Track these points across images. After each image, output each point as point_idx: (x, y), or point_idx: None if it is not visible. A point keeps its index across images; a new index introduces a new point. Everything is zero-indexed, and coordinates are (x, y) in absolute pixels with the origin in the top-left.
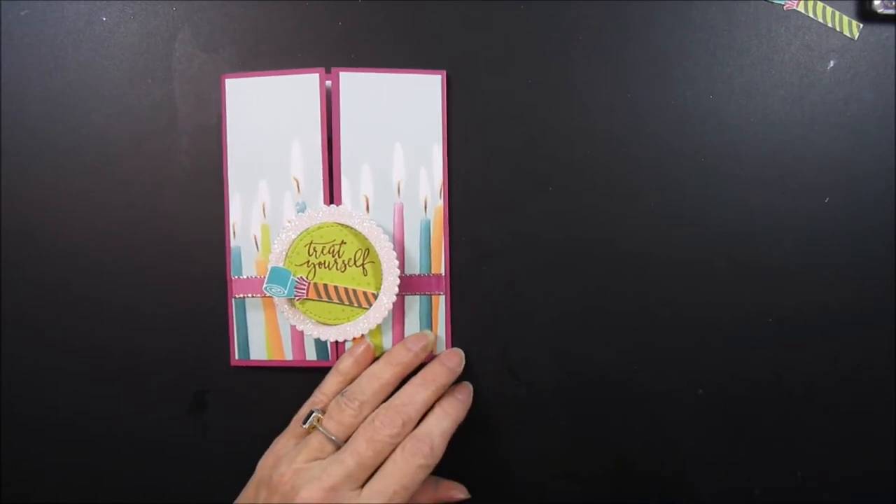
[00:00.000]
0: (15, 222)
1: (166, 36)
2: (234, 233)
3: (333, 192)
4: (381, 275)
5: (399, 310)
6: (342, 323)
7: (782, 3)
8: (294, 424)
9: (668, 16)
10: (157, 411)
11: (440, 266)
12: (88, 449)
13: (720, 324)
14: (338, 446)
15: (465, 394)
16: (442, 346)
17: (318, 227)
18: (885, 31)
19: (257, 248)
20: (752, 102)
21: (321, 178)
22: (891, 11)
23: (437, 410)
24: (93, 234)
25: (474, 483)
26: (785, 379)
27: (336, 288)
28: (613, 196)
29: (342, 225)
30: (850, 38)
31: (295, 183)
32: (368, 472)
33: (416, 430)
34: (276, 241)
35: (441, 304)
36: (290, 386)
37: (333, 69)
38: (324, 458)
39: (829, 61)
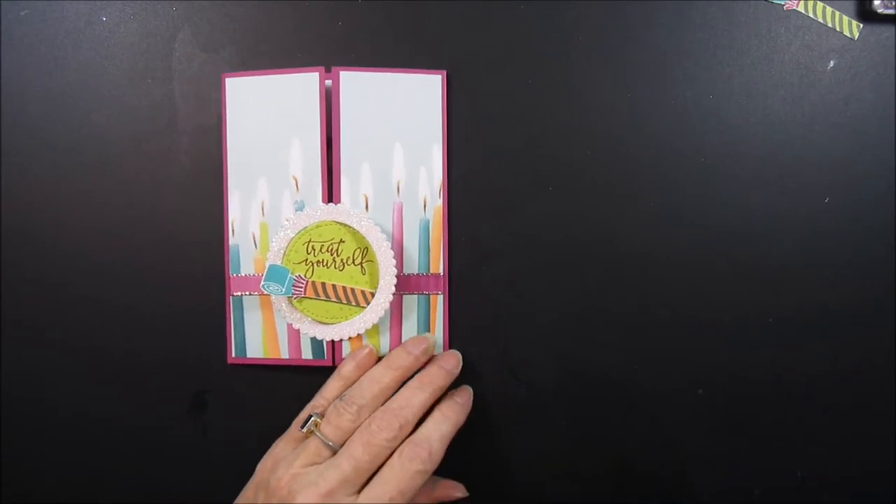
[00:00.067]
0: (15, 222)
1: (166, 36)
2: (232, 230)
3: (332, 191)
4: (379, 274)
5: (397, 309)
6: (339, 322)
7: (782, 3)
8: (293, 428)
9: (668, 16)
10: (157, 411)
11: (439, 266)
12: (88, 449)
13: (720, 324)
14: (335, 451)
15: (465, 398)
16: (440, 346)
17: (317, 226)
18: (885, 31)
19: (256, 246)
20: (752, 102)
21: (320, 176)
22: (891, 11)
23: (436, 414)
24: (93, 234)
25: (474, 483)
26: (785, 379)
27: (334, 286)
28: (613, 196)
29: (341, 223)
30: (850, 38)
31: (294, 181)
32: (365, 477)
33: (415, 435)
34: (274, 240)
35: (439, 303)
36: (291, 386)
37: (333, 68)
38: (321, 463)
39: (829, 61)
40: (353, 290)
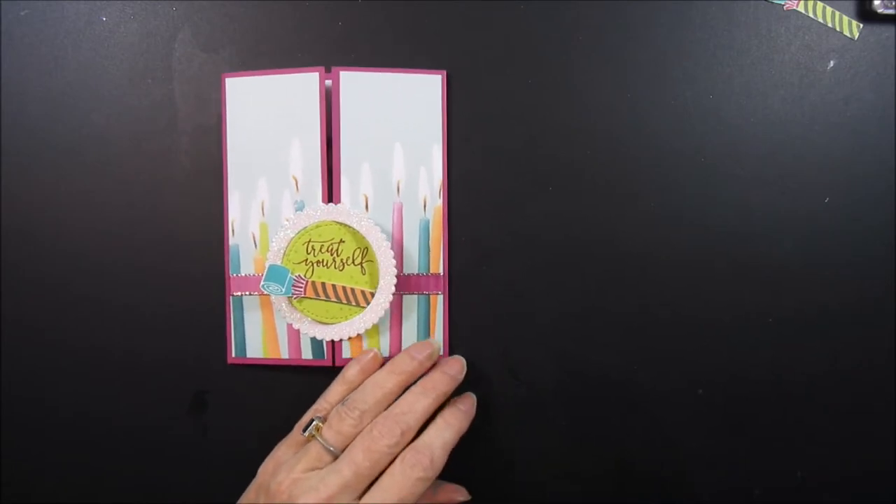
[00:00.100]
0: (15, 222)
1: (166, 36)
2: (232, 230)
3: (332, 191)
4: (379, 274)
5: (397, 309)
6: (339, 322)
7: (782, 3)
8: (295, 432)
9: (668, 16)
10: (157, 411)
11: (439, 266)
12: (88, 449)
13: (720, 324)
14: (336, 456)
15: (469, 405)
16: (441, 348)
17: (317, 226)
18: (885, 31)
19: (256, 246)
20: (752, 102)
21: (320, 176)
22: (891, 11)
23: (438, 421)
24: (93, 234)
25: (474, 483)
26: (785, 379)
27: (334, 286)
28: (613, 196)
29: (340, 223)
30: (850, 38)
31: (294, 181)
32: (366, 483)
33: (417, 442)
34: (274, 240)
35: (439, 303)
36: (291, 386)
37: (333, 68)
38: (322, 468)
39: (829, 61)
40: (353, 290)
